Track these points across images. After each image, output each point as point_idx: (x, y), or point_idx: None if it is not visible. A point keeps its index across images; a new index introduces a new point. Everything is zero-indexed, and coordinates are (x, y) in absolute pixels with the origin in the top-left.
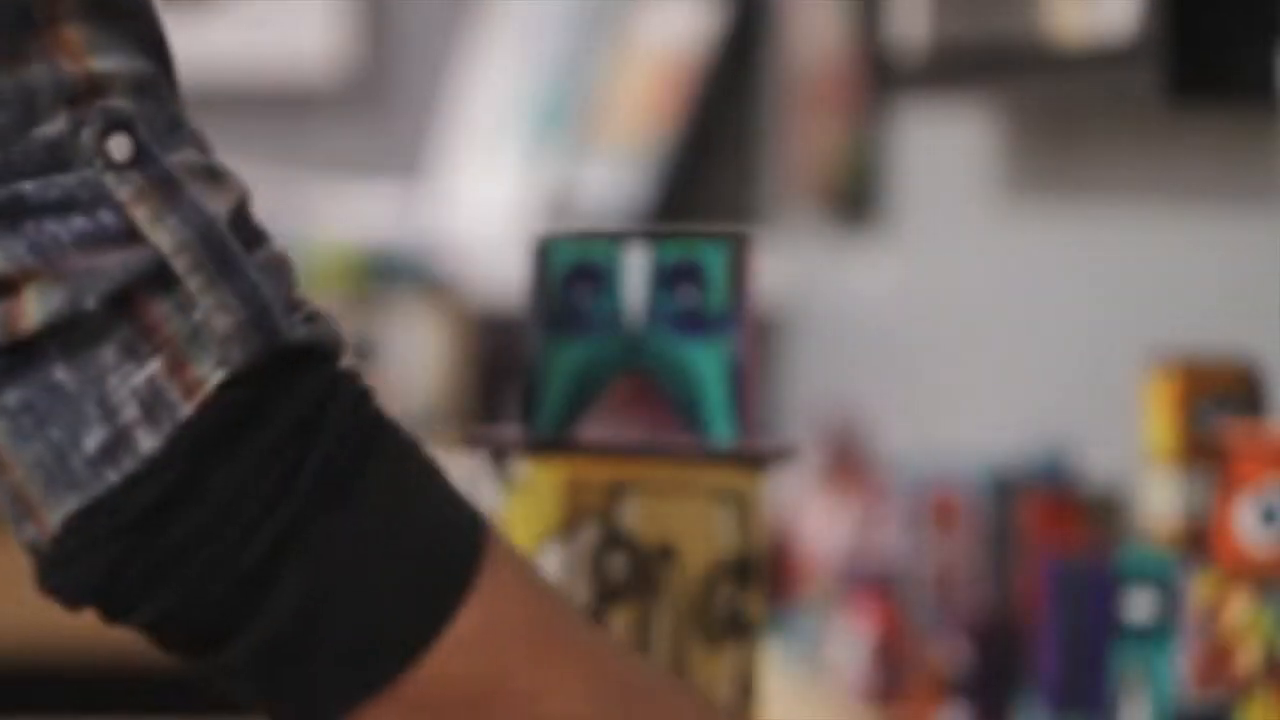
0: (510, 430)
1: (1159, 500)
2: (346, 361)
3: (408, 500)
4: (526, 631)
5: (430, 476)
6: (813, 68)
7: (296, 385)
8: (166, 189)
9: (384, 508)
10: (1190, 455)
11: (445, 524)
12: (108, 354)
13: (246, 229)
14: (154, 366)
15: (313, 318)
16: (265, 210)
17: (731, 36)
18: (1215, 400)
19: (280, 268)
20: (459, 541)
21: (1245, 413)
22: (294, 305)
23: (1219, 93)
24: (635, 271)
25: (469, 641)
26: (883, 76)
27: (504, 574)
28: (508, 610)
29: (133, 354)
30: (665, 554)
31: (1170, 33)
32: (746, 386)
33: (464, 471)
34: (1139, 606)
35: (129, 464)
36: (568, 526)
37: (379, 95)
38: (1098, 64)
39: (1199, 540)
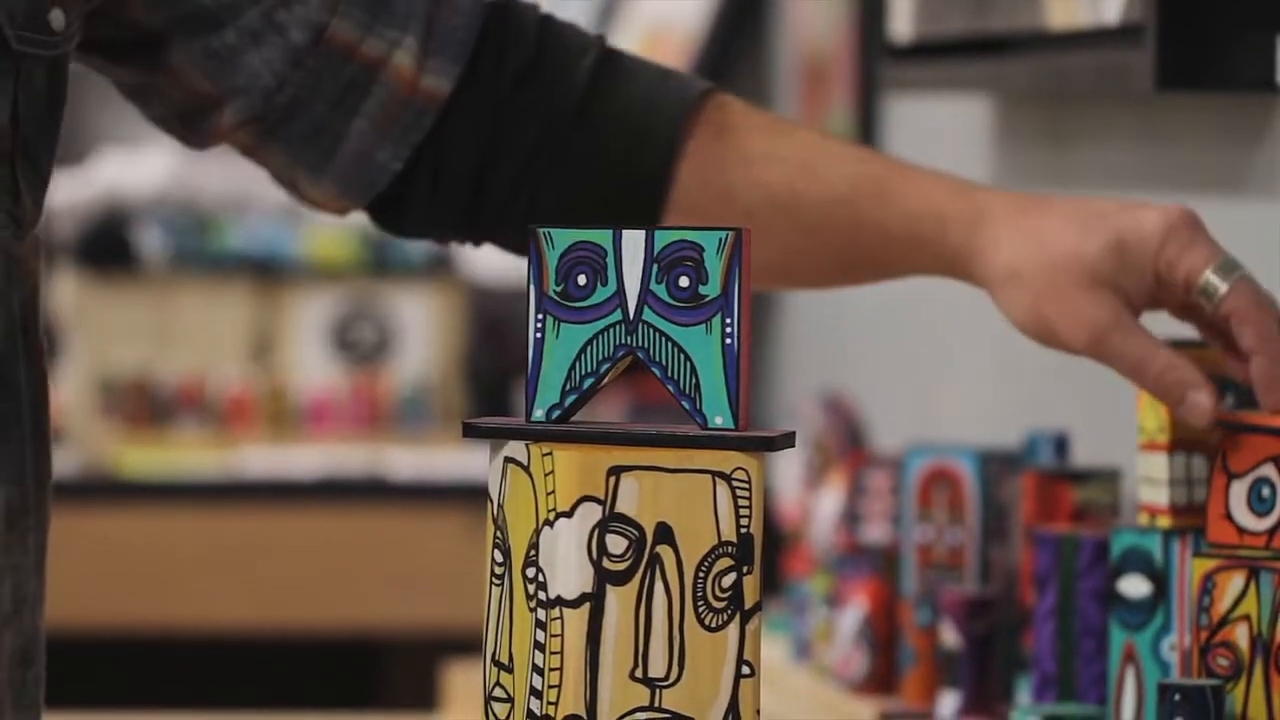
0: (511, 415)
1: (1151, 483)
2: None
3: None
4: None
5: None
6: (807, 52)
7: None
8: None
9: None
10: (1182, 439)
11: None
12: None
13: None
14: None
15: None
16: (275, 200)
17: (729, 21)
18: None
19: None
20: None
21: (1237, 397)
22: None
23: (1211, 79)
24: (632, 258)
25: None
26: (877, 60)
27: None
28: None
29: None
30: (664, 536)
31: (1163, 18)
32: (742, 370)
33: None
34: (1132, 588)
35: None
36: (568, 509)
37: None
38: (1090, 49)
39: (1191, 523)
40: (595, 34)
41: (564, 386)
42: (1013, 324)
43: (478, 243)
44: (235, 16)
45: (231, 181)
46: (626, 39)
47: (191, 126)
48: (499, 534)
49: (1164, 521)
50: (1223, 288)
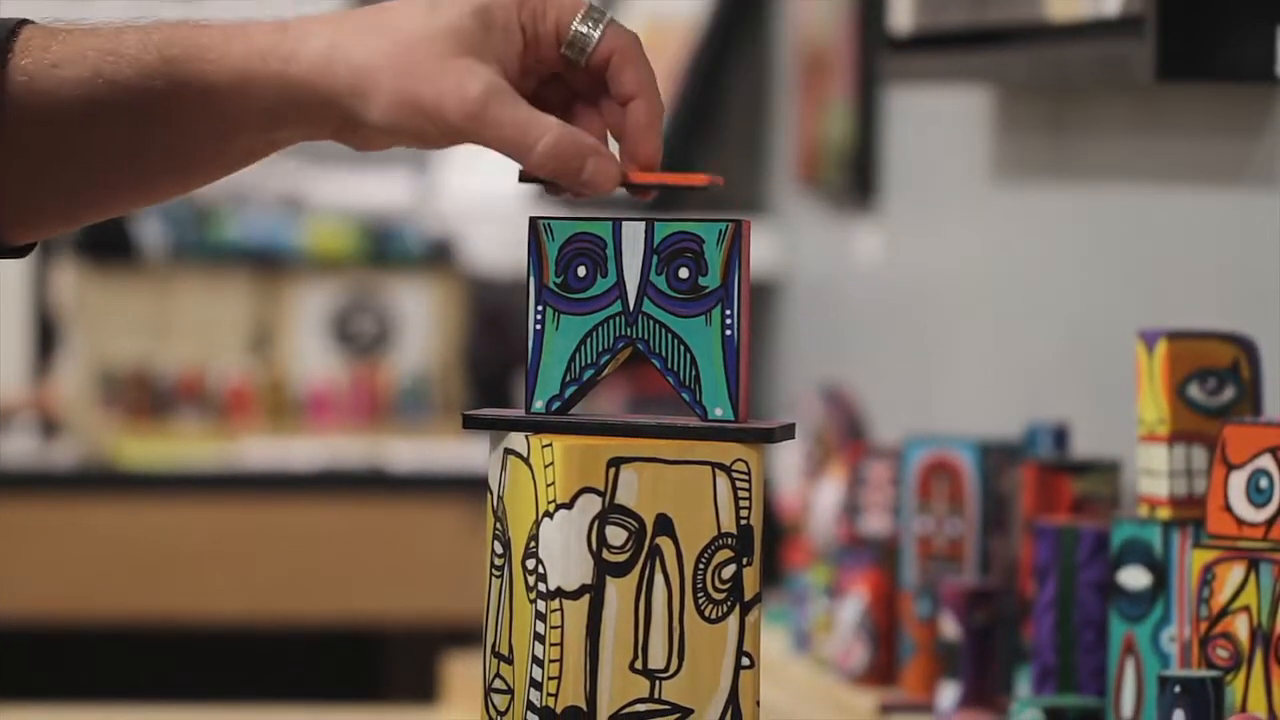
0: (511, 407)
1: (1151, 475)
2: None
3: None
4: None
5: None
6: (807, 44)
7: None
8: None
9: None
10: (1182, 430)
11: None
12: None
13: None
14: None
15: None
16: (275, 192)
17: (729, 13)
18: (1206, 375)
19: None
20: None
21: (1236, 388)
22: None
23: (1210, 70)
24: (632, 250)
25: None
26: (877, 52)
27: None
28: None
29: None
30: (664, 528)
31: (1162, 9)
32: (742, 362)
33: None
34: (1132, 580)
35: None
36: (568, 501)
37: None
38: (1090, 40)
39: (1191, 514)
40: None
41: (564, 378)
42: (383, 126)
43: None
44: None
45: None
46: None
47: None
48: (499, 525)
49: (1164, 513)
50: (595, 33)
